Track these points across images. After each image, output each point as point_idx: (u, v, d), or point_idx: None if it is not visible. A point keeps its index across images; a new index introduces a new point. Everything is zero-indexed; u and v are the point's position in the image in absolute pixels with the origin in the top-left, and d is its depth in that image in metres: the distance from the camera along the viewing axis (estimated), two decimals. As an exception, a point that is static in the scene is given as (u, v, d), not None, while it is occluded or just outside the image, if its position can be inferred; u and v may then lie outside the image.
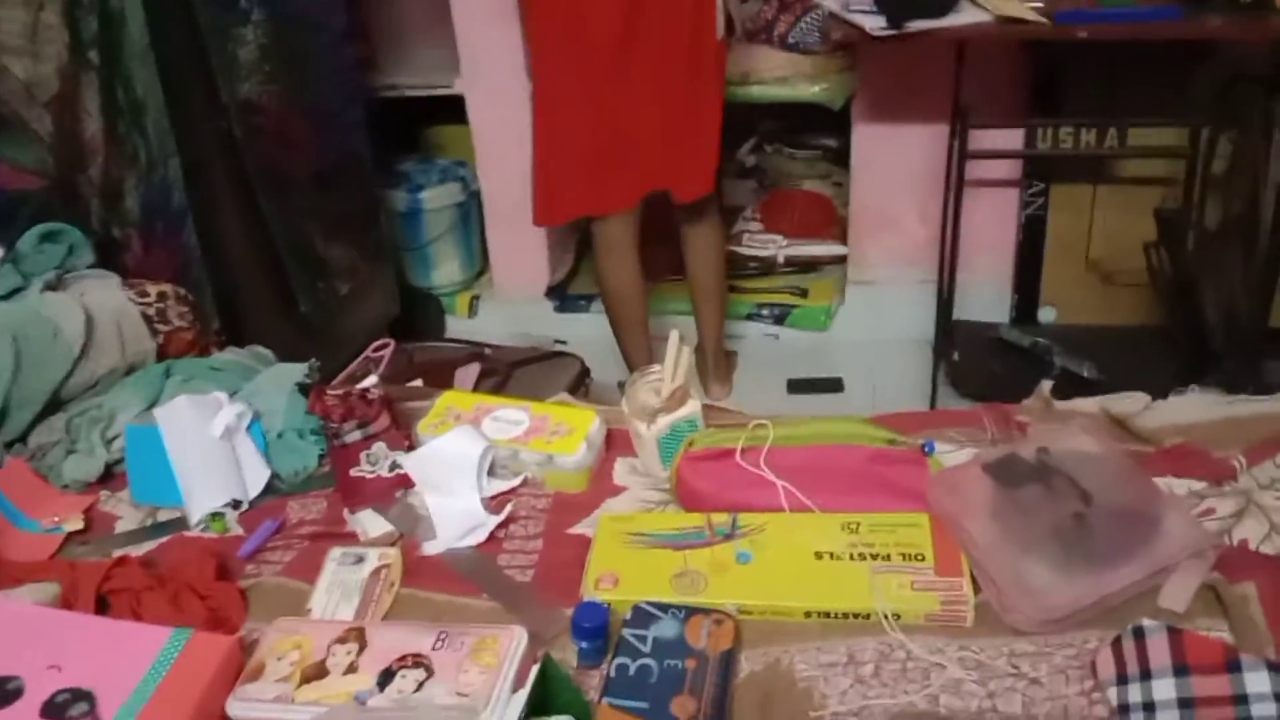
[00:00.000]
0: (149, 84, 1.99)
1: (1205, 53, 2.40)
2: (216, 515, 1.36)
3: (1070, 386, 2.47)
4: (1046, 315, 2.78)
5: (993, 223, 2.71)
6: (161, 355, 1.70)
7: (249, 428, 1.46)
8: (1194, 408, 1.31)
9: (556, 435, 1.36)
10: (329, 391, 1.37)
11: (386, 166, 3.06)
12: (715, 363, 2.75)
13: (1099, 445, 1.22)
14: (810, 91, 2.67)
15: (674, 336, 1.38)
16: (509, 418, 1.39)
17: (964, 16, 2.13)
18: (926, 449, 1.25)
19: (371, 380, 1.37)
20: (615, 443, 1.41)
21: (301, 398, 1.47)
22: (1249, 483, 1.20)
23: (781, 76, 2.68)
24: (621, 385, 2.68)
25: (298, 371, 1.55)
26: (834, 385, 2.76)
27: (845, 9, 2.23)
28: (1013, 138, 2.59)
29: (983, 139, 2.49)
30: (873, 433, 1.28)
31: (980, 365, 2.62)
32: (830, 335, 2.97)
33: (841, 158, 2.98)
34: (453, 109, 2.98)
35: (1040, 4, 2.14)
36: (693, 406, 1.35)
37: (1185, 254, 2.44)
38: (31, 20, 1.87)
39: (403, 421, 1.43)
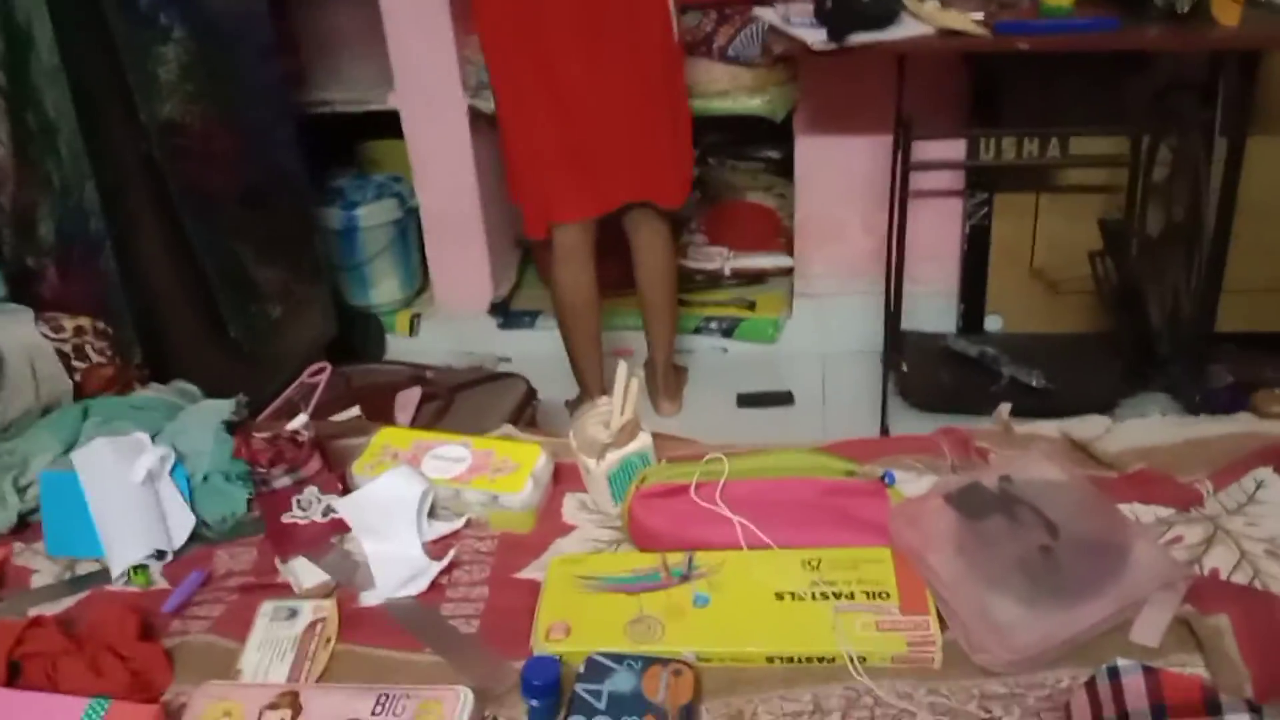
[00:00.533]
0: (61, 106, 1.89)
1: (1143, 62, 2.41)
2: (139, 568, 1.27)
3: (1019, 395, 2.49)
4: (993, 324, 2.77)
5: (937, 233, 2.70)
6: (79, 394, 1.61)
7: (172, 471, 1.37)
8: (1155, 430, 1.29)
9: (500, 473, 1.29)
10: (256, 434, 1.29)
11: (320, 184, 2.97)
12: (665, 378, 2.71)
13: (1062, 472, 1.18)
14: (752, 104, 2.63)
15: (622, 368, 1.32)
16: (450, 455, 1.32)
17: (905, 29, 2.10)
18: (886, 480, 1.21)
19: (302, 420, 1.29)
20: (564, 477, 1.35)
21: (228, 437, 1.39)
22: (1216, 508, 1.17)
23: (722, 90, 2.64)
24: (569, 404, 2.67)
25: (224, 408, 1.47)
26: (784, 399, 2.73)
27: (785, 22, 2.20)
28: (955, 148, 2.58)
29: (925, 150, 2.47)
30: (831, 464, 1.23)
31: (929, 375, 2.60)
32: (779, 347, 2.94)
33: (785, 169, 2.95)
34: (388, 123, 2.90)
35: (980, 16, 2.13)
36: (644, 440, 1.29)
37: (1129, 261, 2.45)
38: (-69, 40, 1.77)
39: (337, 461, 1.36)
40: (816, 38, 2.11)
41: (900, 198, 2.43)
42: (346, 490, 1.29)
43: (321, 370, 2.16)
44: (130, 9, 2.01)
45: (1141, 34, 2.10)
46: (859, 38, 2.09)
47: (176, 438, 1.43)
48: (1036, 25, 2.10)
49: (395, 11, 2.71)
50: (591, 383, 2.56)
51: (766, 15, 2.31)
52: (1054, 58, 2.26)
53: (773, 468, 1.23)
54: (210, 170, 2.26)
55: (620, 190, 2.37)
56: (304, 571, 1.22)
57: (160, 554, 1.29)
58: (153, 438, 1.42)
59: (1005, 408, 1.37)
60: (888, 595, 1.10)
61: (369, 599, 1.18)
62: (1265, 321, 2.64)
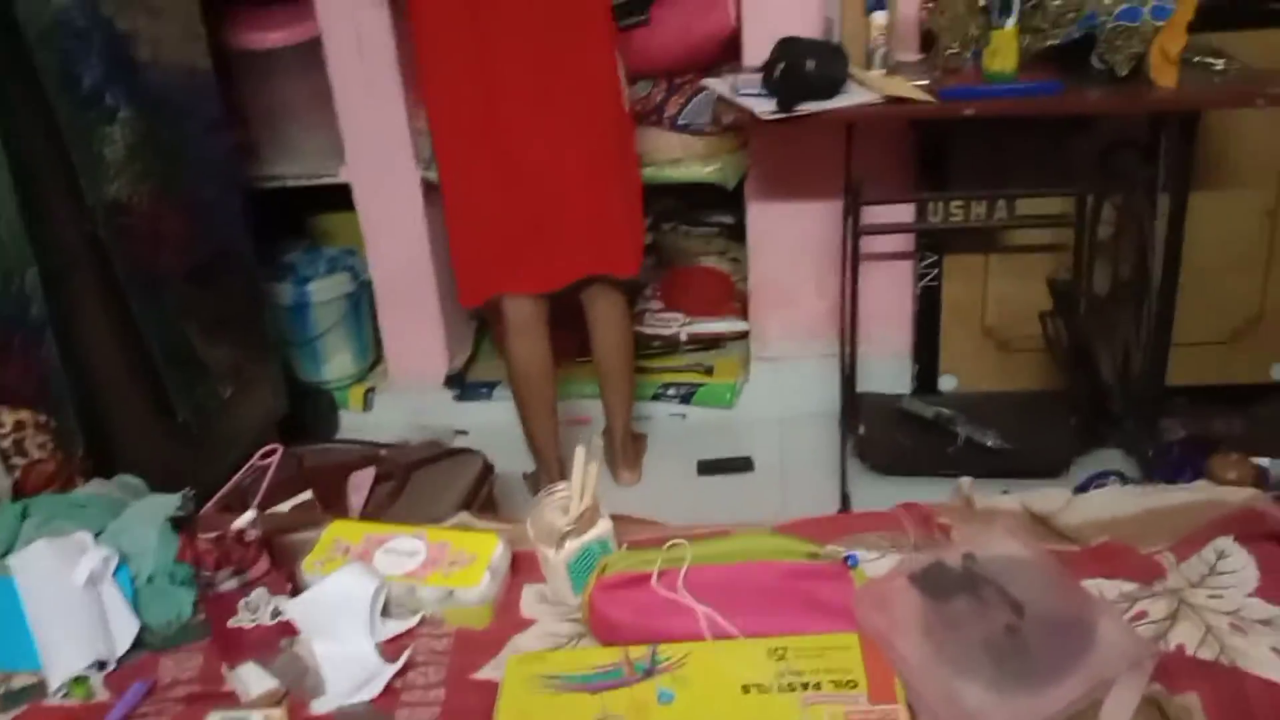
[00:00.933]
0: (1, 189, 1.86)
1: (1086, 122, 2.46)
2: (79, 679, 1.22)
3: (975, 456, 2.50)
4: (947, 384, 2.79)
5: (890, 295, 2.72)
6: (18, 493, 1.56)
7: (115, 573, 1.32)
8: (1115, 501, 1.28)
9: (456, 565, 1.26)
10: (201, 534, 1.24)
11: (271, 258, 2.93)
12: (624, 447, 2.68)
13: (1025, 548, 1.17)
14: (703, 172, 2.66)
15: (580, 452, 1.30)
16: (403, 548, 1.28)
17: (852, 97, 2.13)
18: (850, 562, 1.19)
19: (249, 517, 1.25)
20: (522, 566, 1.32)
21: (173, 534, 1.34)
22: (1180, 581, 1.17)
23: (674, 158, 2.66)
24: (527, 476, 2.64)
25: (169, 504, 1.43)
26: (744, 465, 2.71)
27: (733, 92, 2.22)
28: (904, 211, 2.60)
29: (875, 214, 2.50)
30: (792, 546, 1.21)
31: (887, 438, 2.60)
32: (737, 412, 2.93)
33: (738, 234, 2.97)
34: (340, 195, 2.88)
35: (926, 82, 2.16)
36: (603, 527, 1.27)
37: (1079, 320, 2.48)
38: None
39: (286, 558, 1.31)
40: (765, 107, 2.13)
41: (851, 262, 2.45)
42: (296, 590, 1.25)
43: (272, 452, 2.12)
44: (74, 89, 1.99)
45: (1083, 97, 2.14)
46: (807, 107, 2.11)
47: (119, 536, 1.38)
48: (981, 91, 2.14)
49: (345, 84, 2.71)
50: (548, 455, 2.53)
51: (715, 85, 2.33)
52: (999, 120, 2.30)
53: (735, 552, 1.21)
54: (158, 249, 2.23)
55: (575, 264, 2.36)
56: (252, 678, 1.17)
57: (102, 664, 1.24)
58: (95, 537, 1.37)
59: (966, 482, 1.36)
60: (855, 684, 1.07)
61: (321, 706, 1.14)
62: (1215, 374, 2.68)
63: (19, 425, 1.62)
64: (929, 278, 2.68)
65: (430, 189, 2.78)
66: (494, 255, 2.33)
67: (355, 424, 3.00)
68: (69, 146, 1.98)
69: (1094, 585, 1.17)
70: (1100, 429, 2.55)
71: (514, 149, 2.21)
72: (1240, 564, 1.18)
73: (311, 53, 2.70)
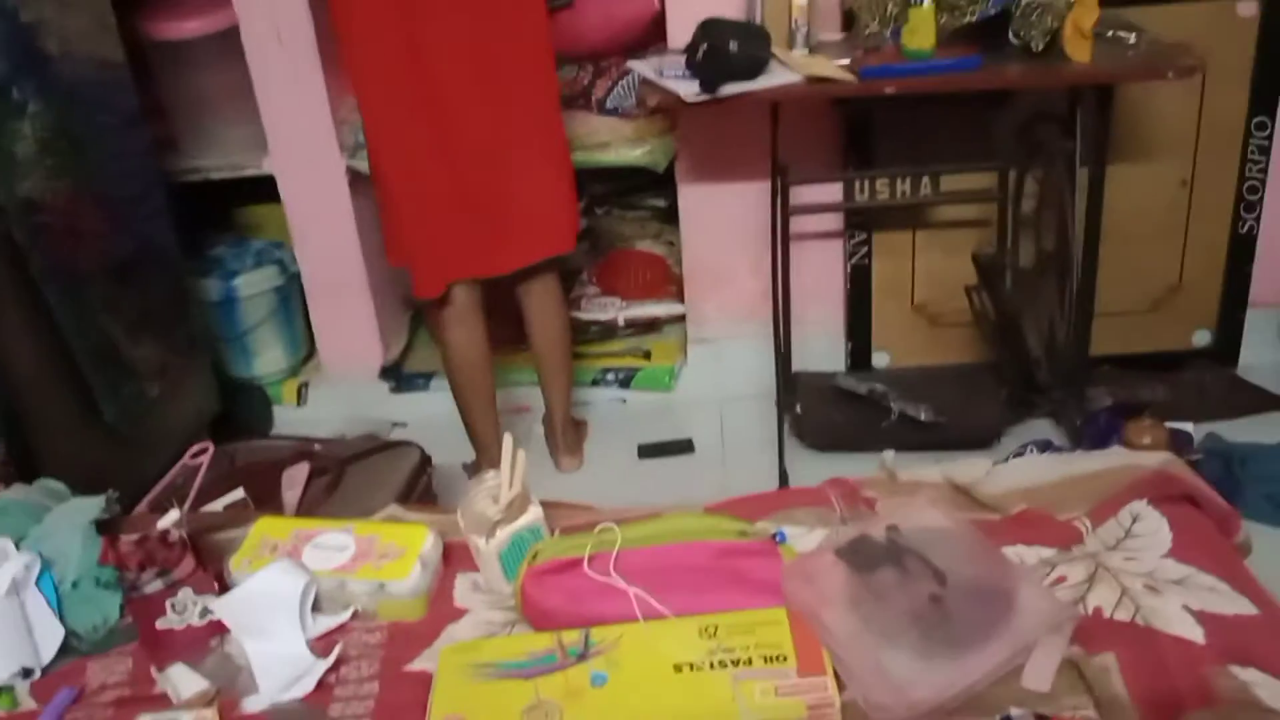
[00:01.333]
0: (-97, 191, 1.80)
1: (1006, 97, 2.49)
2: (4, 689, 1.20)
3: (909, 430, 2.54)
4: (881, 360, 2.82)
5: (821, 274, 2.74)
6: (-65, 499, 1.51)
7: (39, 579, 1.30)
8: (1034, 469, 1.31)
9: (386, 559, 1.25)
10: (124, 536, 1.22)
11: (197, 252, 2.88)
12: (565, 433, 2.68)
13: (947, 519, 1.20)
14: (633, 155, 2.65)
15: (508, 441, 1.30)
16: (332, 543, 1.28)
17: (775, 78, 2.14)
18: (778, 538, 1.21)
19: (173, 517, 1.23)
20: (454, 557, 1.31)
21: (98, 538, 1.32)
22: (1096, 545, 1.20)
23: (603, 141, 2.65)
24: (467, 467, 2.62)
25: (93, 507, 1.40)
26: (684, 447, 2.72)
27: (658, 74, 2.22)
28: (832, 191, 2.63)
29: (803, 194, 2.52)
30: (722, 525, 1.23)
31: (823, 415, 2.63)
32: (677, 395, 2.94)
33: (671, 217, 2.97)
34: (265, 186, 2.83)
35: (847, 61, 2.18)
36: (534, 514, 1.27)
37: (1004, 294, 2.52)
38: None
39: (213, 557, 1.30)
40: (689, 90, 2.13)
41: (783, 242, 2.47)
42: (224, 589, 1.23)
43: (204, 451, 2.08)
44: (-21, 85, 1.93)
45: (1000, 73, 2.17)
46: (731, 88, 2.12)
47: (42, 542, 1.35)
48: (900, 69, 2.16)
49: (266, 73, 2.65)
50: (489, 444, 2.51)
51: (640, 68, 2.32)
52: (921, 98, 2.32)
53: (666, 533, 1.22)
54: (76, 247, 2.17)
55: (522, 248, 2.34)
56: (182, 680, 1.16)
57: (27, 671, 1.22)
58: (17, 543, 1.35)
59: (889, 455, 1.38)
60: (785, 659, 1.09)
61: (253, 704, 1.13)
62: (1138, 343, 2.75)
63: (-67, 432, 1.58)
64: (859, 256, 2.71)
65: (357, 178, 2.74)
66: (448, 242, 2.29)
67: (290, 419, 2.96)
68: (-25, 144, 1.93)
69: (1014, 552, 1.20)
70: (1030, 399, 2.60)
71: (453, 133, 2.18)
72: (1154, 526, 1.21)
73: (230, 42, 2.64)
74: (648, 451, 2.73)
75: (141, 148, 2.41)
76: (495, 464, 2.42)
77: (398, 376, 3.01)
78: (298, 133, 2.71)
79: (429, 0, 2.08)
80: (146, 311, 2.38)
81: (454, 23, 2.10)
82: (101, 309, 2.22)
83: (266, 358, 2.98)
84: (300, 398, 3.00)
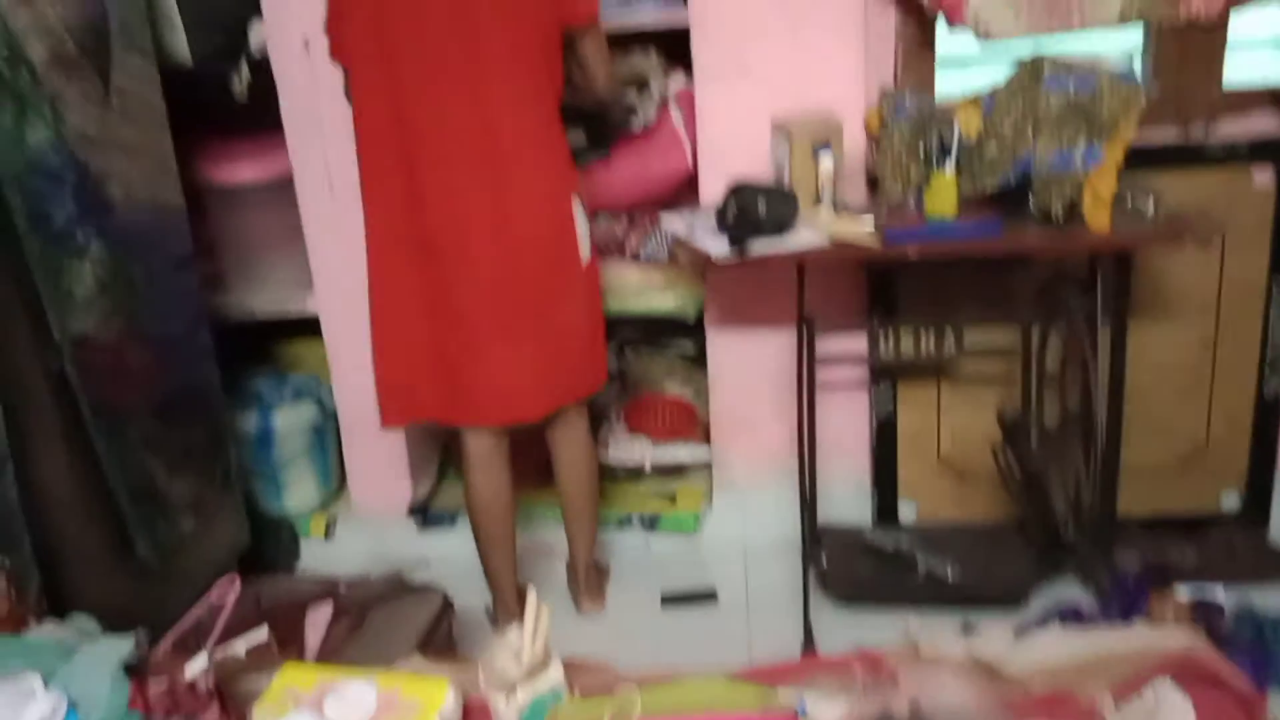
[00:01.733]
0: (-34, 326, 1.88)
1: (1027, 257, 2.55)
2: (20, 834, 1.20)
3: (936, 587, 2.52)
4: (907, 510, 2.82)
5: (847, 423, 2.77)
6: (-32, 634, 1.54)
7: (64, 721, 1.31)
8: (1058, 646, 1.31)
9: (407, 714, 1.26)
10: (153, 679, 1.24)
11: (236, 386, 2.95)
12: (587, 577, 2.67)
13: (970, 695, 1.19)
14: (663, 303, 2.74)
15: (532, 595, 1.32)
16: (353, 696, 1.29)
17: (801, 239, 2.22)
18: (799, 710, 1.21)
19: (200, 664, 1.25)
20: (474, 714, 1.32)
21: (125, 680, 1.34)
22: (1118, 726, 1.19)
23: (636, 289, 2.74)
24: (489, 610, 2.62)
25: (122, 649, 1.42)
26: (708, 596, 2.71)
27: (690, 231, 2.31)
28: (858, 341, 2.68)
29: (830, 344, 2.57)
30: (744, 695, 1.23)
31: (849, 569, 2.62)
32: (701, 541, 2.94)
33: (700, 362, 3.03)
34: (307, 321, 2.92)
35: (871, 221, 2.25)
36: (555, 676, 1.28)
37: (1030, 452, 2.53)
38: None
39: (238, 704, 1.31)
40: (719, 248, 2.21)
41: (808, 391, 2.51)
42: (247, 740, 1.24)
43: (229, 587, 2.10)
44: (44, 228, 2.01)
45: (1021, 238, 2.23)
46: (758, 248, 2.19)
47: (70, 682, 1.37)
48: (923, 232, 2.22)
49: (316, 219, 2.77)
50: (506, 589, 2.50)
51: (672, 224, 2.42)
52: (944, 254, 2.39)
53: (686, 702, 1.22)
54: (123, 384, 2.24)
55: (540, 398, 2.36)
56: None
57: (45, 817, 1.22)
58: (46, 682, 1.36)
59: (913, 624, 1.38)
60: (803, 836, 1.08)
61: None
62: (1165, 502, 2.74)
63: (-28, 567, 1.61)
64: (885, 406, 2.74)
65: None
66: (422, 377, 2.31)
67: (317, 553, 2.98)
68: (37, 283, 2.00)
69: (1037, 731, 1.19)
70: (1057, 559, 2.58)
71: (445, 285, 2.22)
72: (1178, 707, 1.20)
73: (282, 187, 2.77)
74: (671, 600, 2.71)
75: (192, 287, 2.49)
76: (510, 610, 2.45)
77: (425, 514, 3.04)
78: (342, 276, 2.80)
79: (431, 152, 2.15)
80: (187, 448, 2.43)
81: (455, 174, 2.16)
82: (143, 446, 2.26)
83: (297, 492, 3.02)
84: (328, 532, 3.03)
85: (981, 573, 2.51)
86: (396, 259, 2.26)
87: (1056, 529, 2.48)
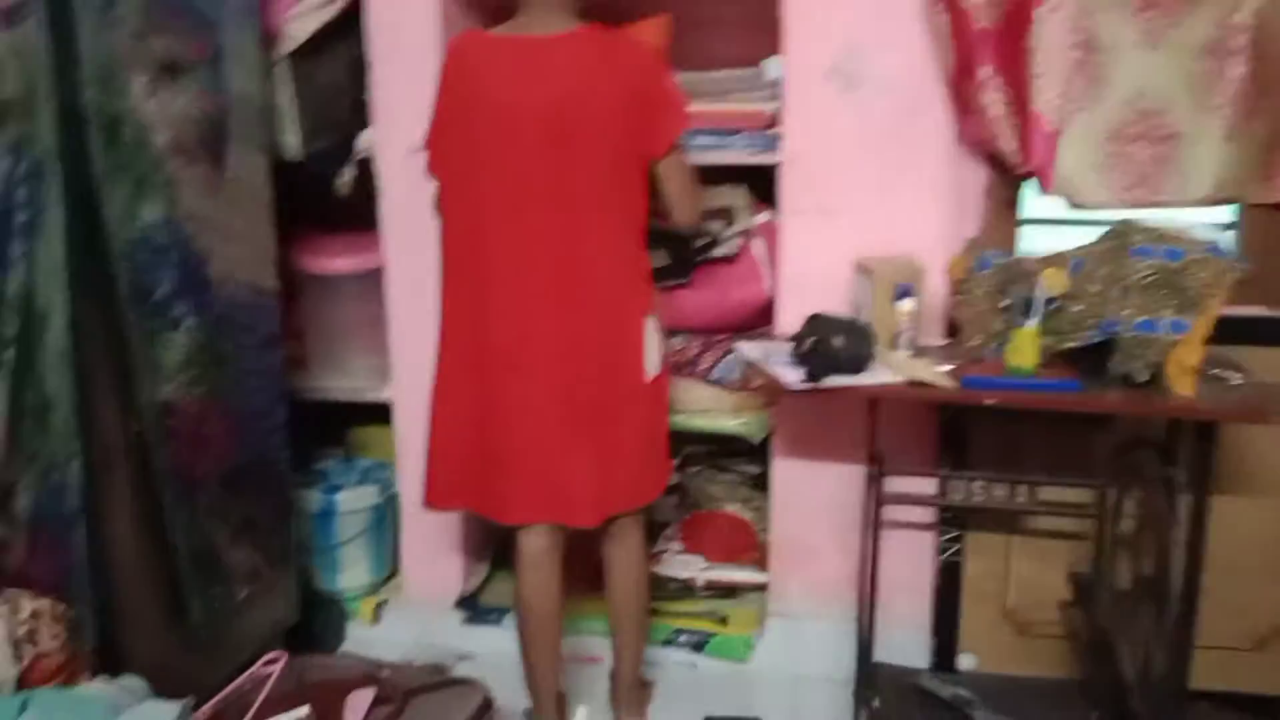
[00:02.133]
0: (61, 387, 1.96)
1: (1106, 418, 2.51)
2: None
3: (991, 745, 2.41)
4: (966, 662, 2.73)
5: (910, 565, 2.72)
6: (22, 684, 1.57)
7: (99, 785, 1.32)
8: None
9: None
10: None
11: (305, 463, 3.01)
12: (630, 693, 2.61)
13: None
14: (731, 425, 2.74)
15: (582, 713, 1.30)
16: (386, 796, 1.27)
17: (877, 375, 2.21)
18: None
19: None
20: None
21: (164, 750, 1.34)
22: None
23: (704, 409, 2.75)
24: (528, 715, 2.57)
25: (168, 713, 1.44)
26: (753, 726, 2.64)
27: (764, 358, 2.32)
28: (927, 482, 2.64)
29: (898, 483, 2.53)
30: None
31: (902, 713, 2.52)
32: (750, 667, 2.87)
33: (762, 484, 3.01)
34: (380, 408, 2.99)
35: (949, 367, 2.24)
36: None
37: (1100, 614, 2.44)
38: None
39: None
40: (793, 377, 2.21)
41: (874, 529, 2.46)
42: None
43: (275, 660, 2.11)
44: (144, 299, 2.11)
45: (1101, 398, 2.19)
46: (833, 381, 2.19)
47: (112, 745, 1.39)
48: (1001, 382, 2.20)
49: (402, 313, 2.86)
50: (545, 693, 2.46)
51: (747, 350, 2.43)
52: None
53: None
54: (197, 452, 2.30)
55: (592, 502, 2.35)
56: None
57: None
58: (87, 742, 1.38)
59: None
60: None
61: None
62: (1241, 680, 2.61)
63: (35, 615, 1.65)
64: (951, 552, 2.68)
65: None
66: (471, 470, 2.35)
67: (363, 636, 2.99)
68: (129, 349, 2.09)
69: None
70: (1121, 727, 2.46)
71: (500, 394, 2.28)
72: None
73: (371, 280, 2.87)
74: (714, 725, 2.65)
75: (276, 366, 2.58)
76: (547, 715, 2.40)
77: (473, 607, 3.03)
78: (418, 368, 2.86)
79: (504, 270, 2.23)
80: (251, 520, 2.48)
81: (527, 295, 2.23)
82: (209, 513, 2.32)
83: (351, 573, 3.04)
84: (376, 616, 3.04)
85: (1040, 735, 2.40)
86: (461, 361, 2.33)
87: (1123, 696, 2.37)
